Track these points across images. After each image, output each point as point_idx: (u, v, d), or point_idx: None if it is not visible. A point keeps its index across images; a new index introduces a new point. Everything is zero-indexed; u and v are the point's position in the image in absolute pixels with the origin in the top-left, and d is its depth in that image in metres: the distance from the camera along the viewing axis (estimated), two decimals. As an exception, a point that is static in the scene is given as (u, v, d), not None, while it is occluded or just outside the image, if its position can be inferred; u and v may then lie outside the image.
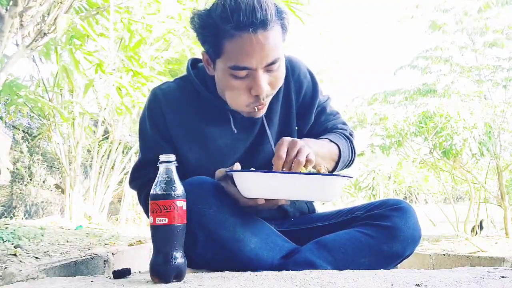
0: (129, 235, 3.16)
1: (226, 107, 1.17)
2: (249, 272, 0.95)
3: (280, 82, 1.12)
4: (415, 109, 4.43)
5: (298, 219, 1.31)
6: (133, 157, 4.89)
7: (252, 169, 1.03)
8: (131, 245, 2.34)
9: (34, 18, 1.93)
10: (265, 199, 1.00)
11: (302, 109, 1.27)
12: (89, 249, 1.83)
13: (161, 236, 0.83)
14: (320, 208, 1.43)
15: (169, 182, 0.84)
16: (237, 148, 1.21)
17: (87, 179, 4.75)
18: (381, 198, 9.11)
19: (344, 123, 1.35)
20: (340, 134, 1.28)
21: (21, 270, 0.89)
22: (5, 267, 1.10)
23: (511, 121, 3.46)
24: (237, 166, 1.03)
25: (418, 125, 3.51)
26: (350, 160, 1.31)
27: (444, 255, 2.03)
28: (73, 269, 1.36)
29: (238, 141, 1.21)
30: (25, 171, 4.43)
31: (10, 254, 1.41)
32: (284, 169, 1.00)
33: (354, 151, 1.32)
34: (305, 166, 1.00)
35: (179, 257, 0.83)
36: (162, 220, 0.82)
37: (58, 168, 4.66)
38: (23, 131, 4.50)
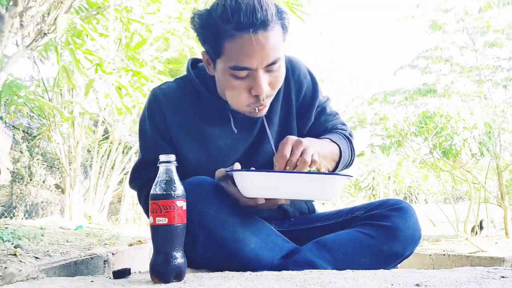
0: (129, 235, 3.16)
1: (226, 107, 1.17)
2: (249, 272, 0.95)
3: (280, 82, 1.12)
4: (415, 109, 4.43)
5: (298, 219, 1.31)
6: (133, 157, 4.89)
7: (252, 168, 1.02)
8: (131, 245, 2.34)
9: (34, 18, 1.93)
10: (265, 199, 1.00)
11: (302, 109, 1.27)
12: (89, 249, 1.83)
13: (161, 236, 0.83)
14: (320, 208, 1.43)
15: (169, 182, 0.84)
16: (237, 148, 1.21)
17: (87, 179, 4.75)
18: (381, 198, 9.11)
19: (344, 124, 1.35)
20: (340, 134, 1.28)
21: (21, 270, 0.89)
22: (5, 267, 1.10)
23: (511, 121, 3.46)
24: (237, 166, 1.03)
25: (418, 125, 3.51)
26: (350, 161, 1.31)
27: (444, 255, 2.03)
28: (73, 269, 1.36)
29: (238, 141, 1.21)
30: (25, 171, 4.43)
31: (10, 254, 1.41)
32: (288, 168, 1.00)
33: (354, 152, 1.32)
34: (309, 166, 1.00)
35: (179, 257, 0.83)
36: (162, 220, 0.82)
37: (58, 168, 4.66)
38: (23, 131, 4.50)
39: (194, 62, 1.27)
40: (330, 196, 1.00)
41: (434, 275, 0.86)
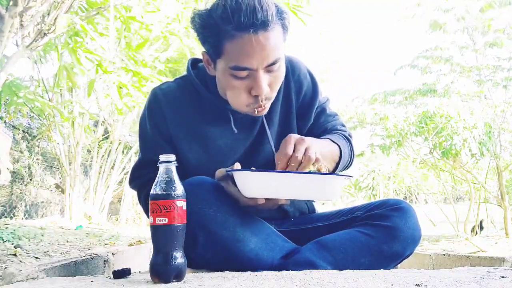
0: (129, 235, 3.16)
1: (226, 107, 1.17)
2: (249, 272, 0.95)
3: (280, 83, 1.12)
4: (415, 109, 4.43)
5: (298, 219, 1.31)
6: (133, 157, 4.89)
7: (253, 168, 1.02)
8: (131, 245, 2.34)
9: (34, 18, 1.93)
10: (265, 199, 1.00)
11: (302, 109, 1.27)
12: (89, 249, 1.83)
13: (161, 236, 0.83)
14: (320, 208, 1.43)
15: (169, 182, 0.84)
16: (237, 148, 1.21)
17: (87, 179, 4.75)
18: (381, 198, 9.11)
19: (343, 125, 1.35)
20: (340, 135, 1.28)
21: (21, 270, 0.89)
22: (5, 267, 1.10)
23: (511, 121, 3.46)
24: (237, 166, 1.03)
25: (418, 125, 3.51)
26: (350, 162, 1.31)
27: (444, 255, 2.03)
28: (73, 269, 1.36)
29: (238, 141, 1.21)
30: (25, 171, 4.43)
31: (10, 254, 1.41)
32: (292, 165, 0.99)
33: (353, 153, 1.32)
34: (313, 164, 1.00)
35: (179, 257, 0.83)
36: (162, 220, 0.82)
37: (58, 168, 4.66)
38: (23, 131, 4.50)
39: (194, 62, 1.27)
40: (330, 196, 1.00)
41: (434, 275, 0.86)
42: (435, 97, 4.37)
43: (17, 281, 0.87)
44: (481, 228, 3.40)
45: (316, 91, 1.28)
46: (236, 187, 1.01)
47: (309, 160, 0.99)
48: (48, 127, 4.19)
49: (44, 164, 4.82)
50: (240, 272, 0.96)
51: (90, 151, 4.78)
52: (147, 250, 2.45)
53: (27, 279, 0.88)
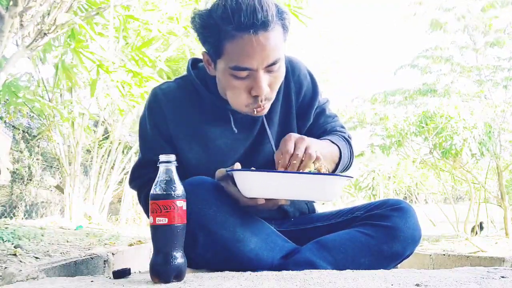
0: (129, 235, 3.16)
1: (226, 107, 1.17)
2: (249, 272, 0.95)
3: (280, 83, 1.12)
4: (415, 109, 4.43)
5: (298, 219, 1.31)
6: (133, 157, 4.89)
7: (253, 168, 1.02)
8: (131, 245, 2.34)
9: (34, 18, 1.93)
10: (265, 199, 1.00)
11: (302, 110, 1.27)
12: (89, 249, 1.83)
13: (161, 236, 0.83)
14: (320, 208, 1.43)
15: (169, 182, 0.84)
16: (237, 148, 1.21)
17: (87, 179, 4.75)
18: (381, 198, 9.12)
19: (343, 127, 1.35)
20: (340, 136, 1.28)
21: (21, 270, 0.89)
22: (5, 267, 1.10)
23: (511, 121, 3.46)
24: (237, 165, 1.03)
25: (418, 125, 3.52)
26: (349, 163, 1.31)
27: (444, 255, 2.03)
28: (73, 269, 1.36)
29: (238, 141, 1.21)
30: (25, 171, 4.43)
31: (10, 254, 1.41)
32: (294, 162, 0.99)
33: (353, 154, 1.32)
34: (313, 163, 1.00)
35: (179, 257, 0.83)
36: (162, 220, 0.82)
37: (58, 168, 4.66)
38: (23, 131, 4.50)
39: (194, 62, 1.27)
40: (330, 196, 1.00)
41: (434, 275, 0.87)
42: (435, 97, 4.37)
43: (17, 281, 0.87)
44: (481, 228, 3.40)
45: (316, 91, 1.28)
46: (236, 187, 1.01)
47: (310, 158, 0.98)
48: (48, 127, 4.19)
49: (44, 164, 4.82)
50: (240, 272, 0.96)
51: (90, 151, 4.78)
52: (147, 250, 2.45)
53: (27, 279, 0.88)
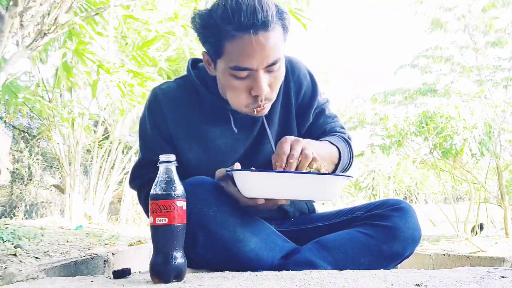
0: (129, 235, 3.16)
1: (227, 107, 1.17)
2: (249, 272, 0.95)
3: (280, 83, 1.13)
4: (415, 108, 4.43)
5: (298, 219, 1.31)
6: (133, 157, 4.89)
7: (252, 168, 1.02)
8: (131, 245, 2.34)
9: (34, 18, 1.93)
10: (265, 199, 1.00)
11: (301, 109, 1.27)
12: (89, 249, 1.83)
13: (161, 236, 0.83)
14: (320, 208, 1.43)
15: (169, 182, 0.84)
16: (237, 148, 1.21)
17: (87, 179, 4.75)
18: (381, 198, 9.12)
19: (342, 127, 1.34)
20: (339, 137, 1.28)
21: (21, 270, 0.89)
22: (5, 267, 1.10)
23: (511, 121, 3.46)
24: (237, 165, 1.03)
25: (418, 125, 3.52)
26: (349, 164, 1.30)
27: (444, 255, 2.03)
28: (73, 269, 1.36)
29: (238, 141, 1.21)
30: (25, 171, 4.43)
31: (10, 254, 1.41)
32: (291, 161, 0.99)
33: (352, 155, 1.32)
34: (310, 164, 0.99)
35: (179, 257, 0.83)
36: (162, 220, 0.82)
37: (58, 168, 4.66)
38: (23, 131, 4.50)
39: (194, 62, 1.27)
40: (330, 196, 1.00)
41: (434, 275, 0.87)
42: (435, 97, 4.38)
43: (17, 281, 0.87)
44: (481, 228, 3.40)
45: (315, 91, 1.28)
46: (236, 187, 1.01)
47: (306, 158, 0.98)
48: (48, 127, 4.19)
49: (44, 164, 4.82)
50: (240, 272, 0.96)
51: (90, 151, 4.78)
52: (147, 250, 2.45)
53: (27, 279, 0.88)
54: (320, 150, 1.11)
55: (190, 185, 0.98)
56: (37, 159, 4.65)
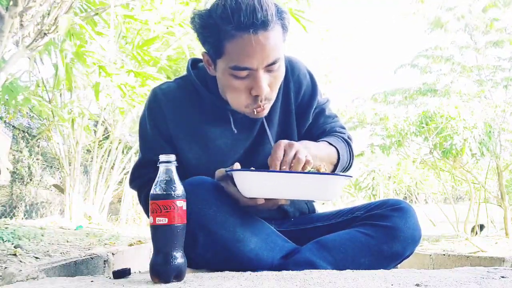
0: (129, 235, 3.16)
1: (226, 107, 1.17)
2: (249, 272, 0.95)
3: (279, 83, 1.13)
4: (415, 108, 4.43)
5: (298, 219, 1.31)
6: (133, 157, 4.89)
7: (252, 168, 1.02)
8: (131, 245, 2.34)
9: (34, 18, 1.93)
10: (265, 199, 1.00)
11: (301, 109, 1.27)
12: (89, 249, 1.83)
13: (161, 236, 0.83)
14: (320, 208, 1.42)
15: (169, 182, 0.84)
16: (237, 148, 1.21)
17: (87, 179, 4.75)
18: (381, 198, 9.12)
19: (343, 127, 1.34)
20: (339, 137, 1.28)
21: (21, 270, 0.89)
22: (5, 267, 1.10)
23: (511, 121, 3.46)
24: (237, 166, 1.03)
25: (418, 125, 3.52)
26: (349, 164, 1.30)
27: (444, 255, 2.03)
28: (73, 269, 1.36)
29: (238, 141, 1.21)
30: (25, 171, 4.43)
31: (10, 254, 1.41)
32: (284, 168, 1.00)
33: (352, 155, 1.32)
34: (303, 167, 1.00)
35: (179, 257, 0.83)
36: (162, 220, 0.82)
37: (58, 168, 4.66)
38: (23, 131, 4.50)
39: (194, 62, 1.27)
40: (330, 196, 1.00)
41: (434, 275, 0.87)
42: (435, 97, 4.38)
43: (17, 281, 0.87)
44: (481, 229, 3.40)
45: (315, 91, 1.28)
46: (236, 187, 1.01)
47: (298, 162, 0.99)
48: (48, 127, 4.20)
49: (44, 164, 4.82)
50: (240, 272, 0.96)
51: (90, 151, 4.78)
52: (147, 250, 2.45)
53: (27, 279, 0.88)
54: (318, 151, 1.11)
55: (190, 185, 0.98)
56: (37, 159, 4.65)
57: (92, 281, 0.86)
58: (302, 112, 1.27)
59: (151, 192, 0.84)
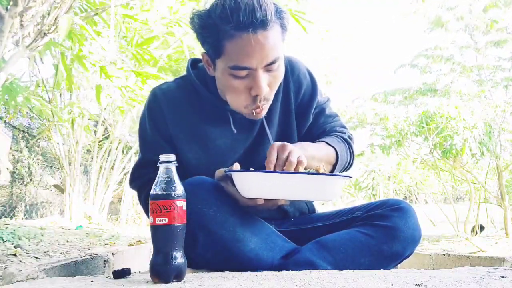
0: (129, 235, 3.16)
1: (226, 107, 1.17)
2: (249, 272, 0.95)
3: (279, 82, 1.13)
4: (415, 108, 4.43)
5: (298, 219, 1.31)
6: (133, 157, 4.89)
7: (252, 169, 1.02)
8: (131, 245, 2.34)
9: (34, 18, 1.93)
10: (265, 199, 1.00)
11: (301, 109, 1.27)
12: (89, 249, 1.83)
13: (161, 236, 0.83)
14: (320, 208, 1.42)
15: (169, 182, 0.84)
16: (237, 148, 1.21)
17: (87, 179, 4.75)
18: (381, 198, 9.12)
19: (343, 126, 1.34)
20: (338, 137, 1.27)
21: (21, 270, 0.89)
22: (5, 267, 1.10)
23: (511, 121, 3.46)
24: (237, 166, 1.03)
25: (418, 125, 3.52)
26: (349, 164, 1.30)
27: (444, 255, 2.03)
28: (73, 269, 1.36)
29: (238, 142, 1.21)
30: (25, 171, 4.43)
31: (10, 254, 1.41)
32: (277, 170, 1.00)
33: (353, 155, 1.31)
34: (296, 167, 1.00)
35: (179, 257, 0.83)
36: (162, 220, 0.82)
37: (58, 168, 4.66)
38: (23, 131, 4.50)
39: (194, 62, 1.27)
40: (330, 196, 1.00)
41: (434, 275, 0.86)
42: (435, 97, 4.38)
43: (17, 281, 0.87)
44: (481, 228, 3.40)
45: (315, 91, 1.28)
46: (235, 187, 1.01)
47: (290, 164, 0.99)
48: (48, 127, 4.19)
49: (44, 164, 4.82)
50: (240, 272, 0.96)
51: (90, 151, 4.78)
52: (147, 250, 2.45)
53: (27, 279, 0.88)
54: (316, 152, 1.11)
55: (190, 185, 0.98)
56: (37, 159, 4.65)
57: (92, 281, 0.86)
58: (302, 112, 1.27)
59: (151, 192, 0.84)
